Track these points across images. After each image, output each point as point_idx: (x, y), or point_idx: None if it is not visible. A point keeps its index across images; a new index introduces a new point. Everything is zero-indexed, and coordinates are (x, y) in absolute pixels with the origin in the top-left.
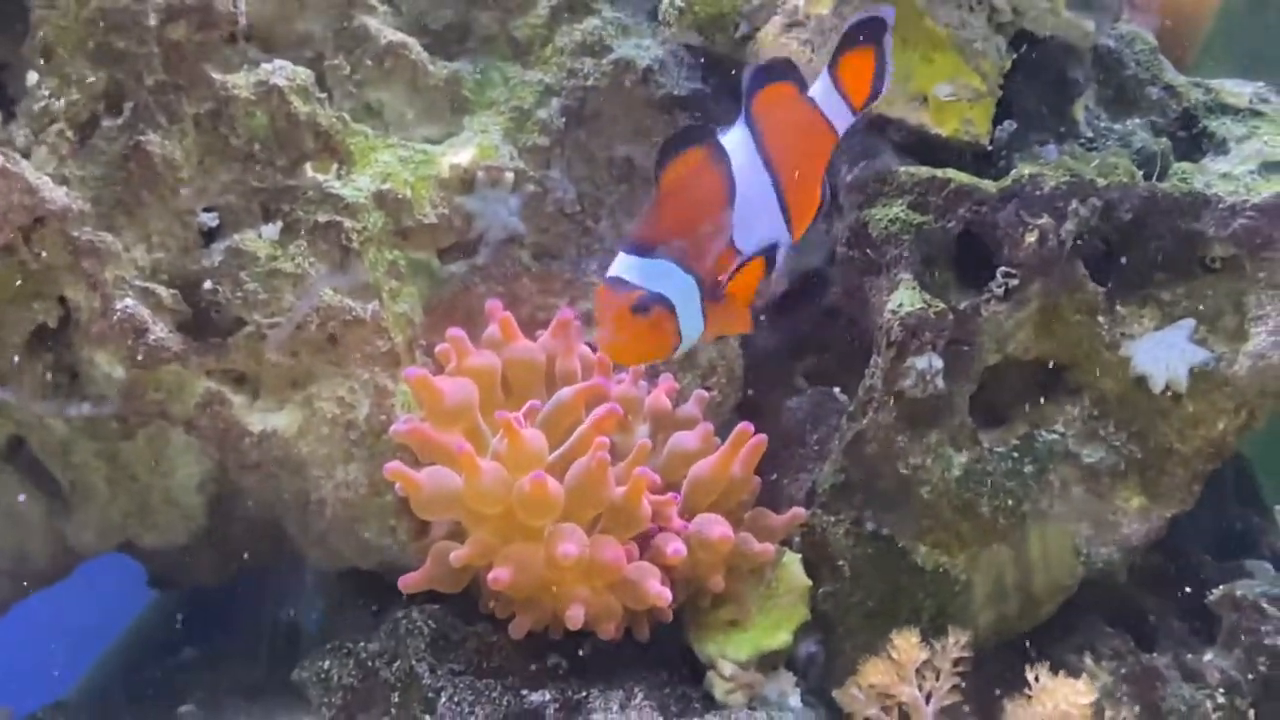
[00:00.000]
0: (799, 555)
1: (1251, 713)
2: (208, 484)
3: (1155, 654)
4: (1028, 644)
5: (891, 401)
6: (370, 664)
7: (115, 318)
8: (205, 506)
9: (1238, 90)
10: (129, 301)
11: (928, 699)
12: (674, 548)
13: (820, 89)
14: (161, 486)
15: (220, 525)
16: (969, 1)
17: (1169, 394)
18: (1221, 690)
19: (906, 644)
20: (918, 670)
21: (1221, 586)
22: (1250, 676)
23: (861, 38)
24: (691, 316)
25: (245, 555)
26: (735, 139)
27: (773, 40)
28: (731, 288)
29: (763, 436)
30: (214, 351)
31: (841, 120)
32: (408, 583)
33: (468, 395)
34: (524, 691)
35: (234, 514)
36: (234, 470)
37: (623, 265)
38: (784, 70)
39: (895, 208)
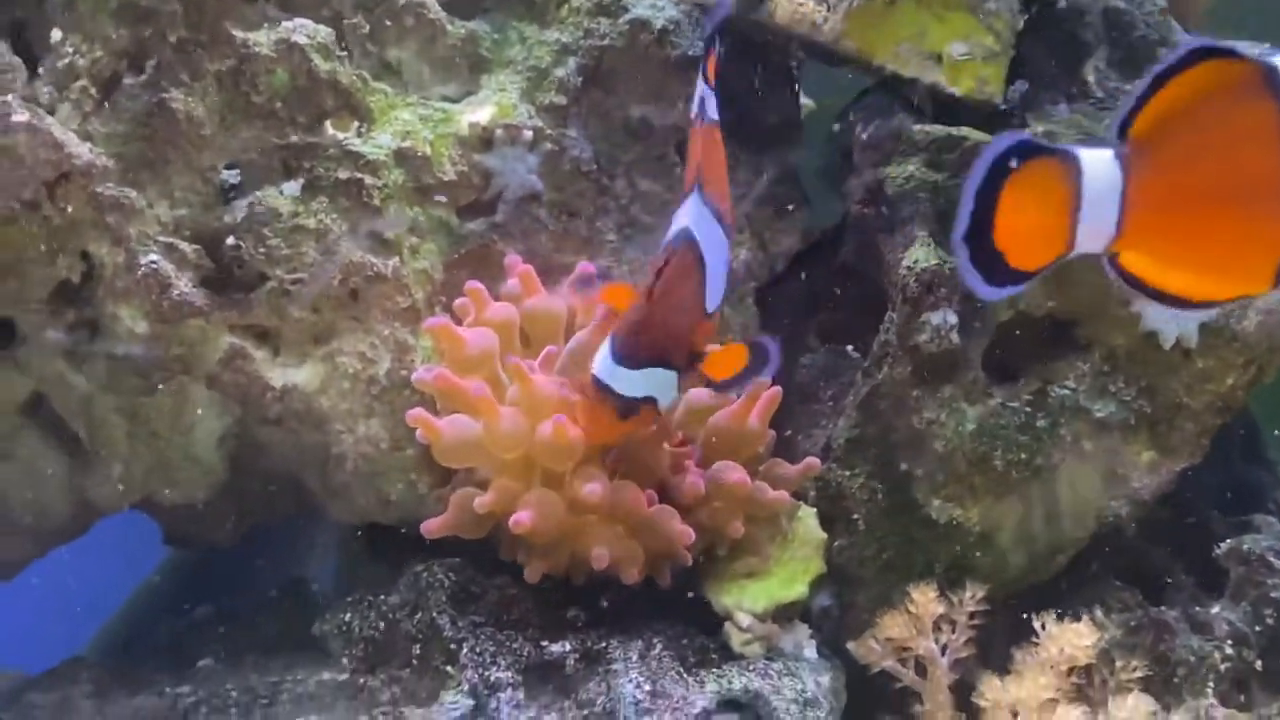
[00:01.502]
0: (814, 509)
1: (1259, 664)
2: (228, 439)
3: (1164, 607)
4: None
5: (906, 356)
6: (391, 616)
7: (139, 273)
8: (225, 462)
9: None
10: (153, 257)
11: (943, 651)
12: (691, 481)
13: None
14: (182, 443)
15: (240, 481)
16: None
17: (1179, 350)
18: (1230, 642)
19: (924, 598)
20: (934, 624)
21: (1229, 540)
22: (1258, 629)
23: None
24: (669, 396)
25: (264, 511)
26: (692, 213)
27: (789, 0)
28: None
29: (778, 389)
30: (237, 307)
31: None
32: (430, 528)
33: (489, 343)
34: (544, 642)
35: (254, 470)
36: (255, 425)
37: (611, 371)
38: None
39: (911, 165)
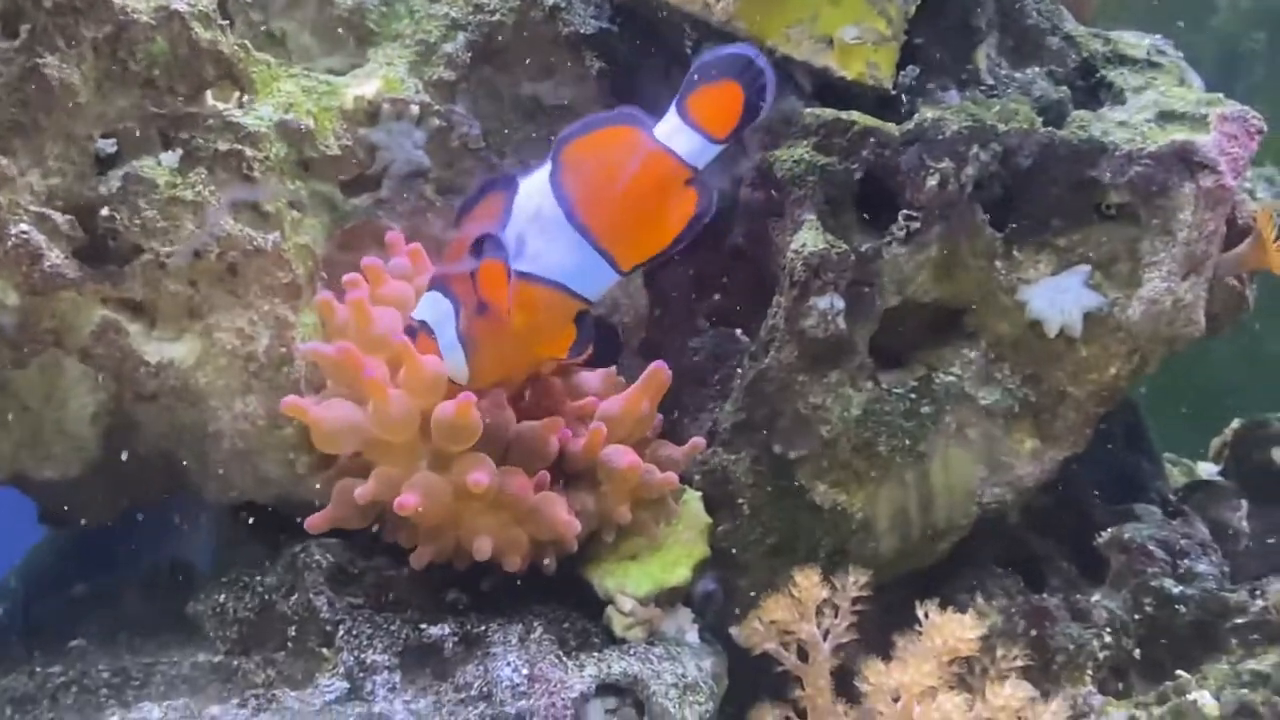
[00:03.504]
0: (699, 493)
1: (1137, 652)
2: (102, 415)
3: (1045, 594)
4: (920, 583)
5: (793, 341)
6: (267, 597)
7: (10, 243)
8: (99, 438)
9: (1135, 42)
10: (24, 227)
11: (825, 636)
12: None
13: (667, 127)
14: (54, 417)
15: (114, 458)
16: None
17: (1063, 338)
18: (1109, 630)
19: (808, 582)
20: (817, 608)
21: (1110, 529)
22: (1136, 617)
23: (716, 73)
24: (447, 336)
25: (139, 489)
26: (534, 176)
27: None
28: (485, 294)
29: (668, 373)
30: (110, 279)
31: (699, 154)
32: (314, 524)
33: (394, 324)
34: (423, 625)
35: (129, 447)
36: (129, 401)
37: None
38: (622, 115)
39: (800, 149)
